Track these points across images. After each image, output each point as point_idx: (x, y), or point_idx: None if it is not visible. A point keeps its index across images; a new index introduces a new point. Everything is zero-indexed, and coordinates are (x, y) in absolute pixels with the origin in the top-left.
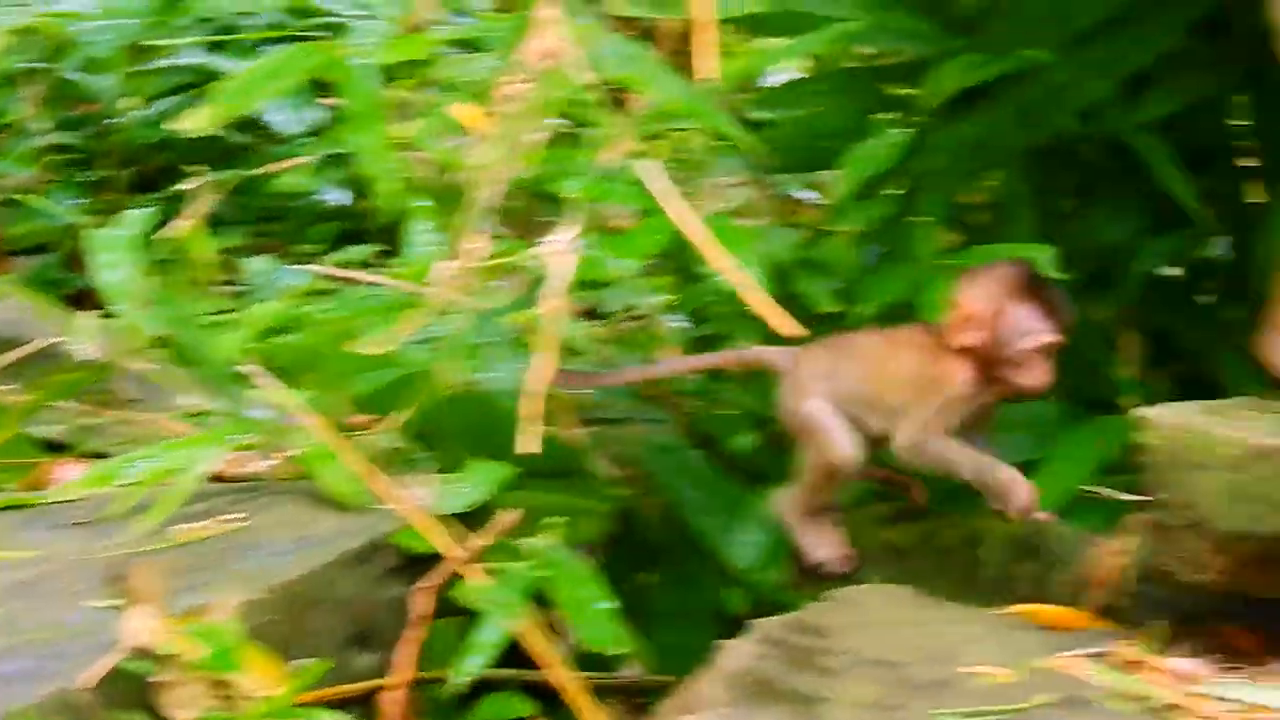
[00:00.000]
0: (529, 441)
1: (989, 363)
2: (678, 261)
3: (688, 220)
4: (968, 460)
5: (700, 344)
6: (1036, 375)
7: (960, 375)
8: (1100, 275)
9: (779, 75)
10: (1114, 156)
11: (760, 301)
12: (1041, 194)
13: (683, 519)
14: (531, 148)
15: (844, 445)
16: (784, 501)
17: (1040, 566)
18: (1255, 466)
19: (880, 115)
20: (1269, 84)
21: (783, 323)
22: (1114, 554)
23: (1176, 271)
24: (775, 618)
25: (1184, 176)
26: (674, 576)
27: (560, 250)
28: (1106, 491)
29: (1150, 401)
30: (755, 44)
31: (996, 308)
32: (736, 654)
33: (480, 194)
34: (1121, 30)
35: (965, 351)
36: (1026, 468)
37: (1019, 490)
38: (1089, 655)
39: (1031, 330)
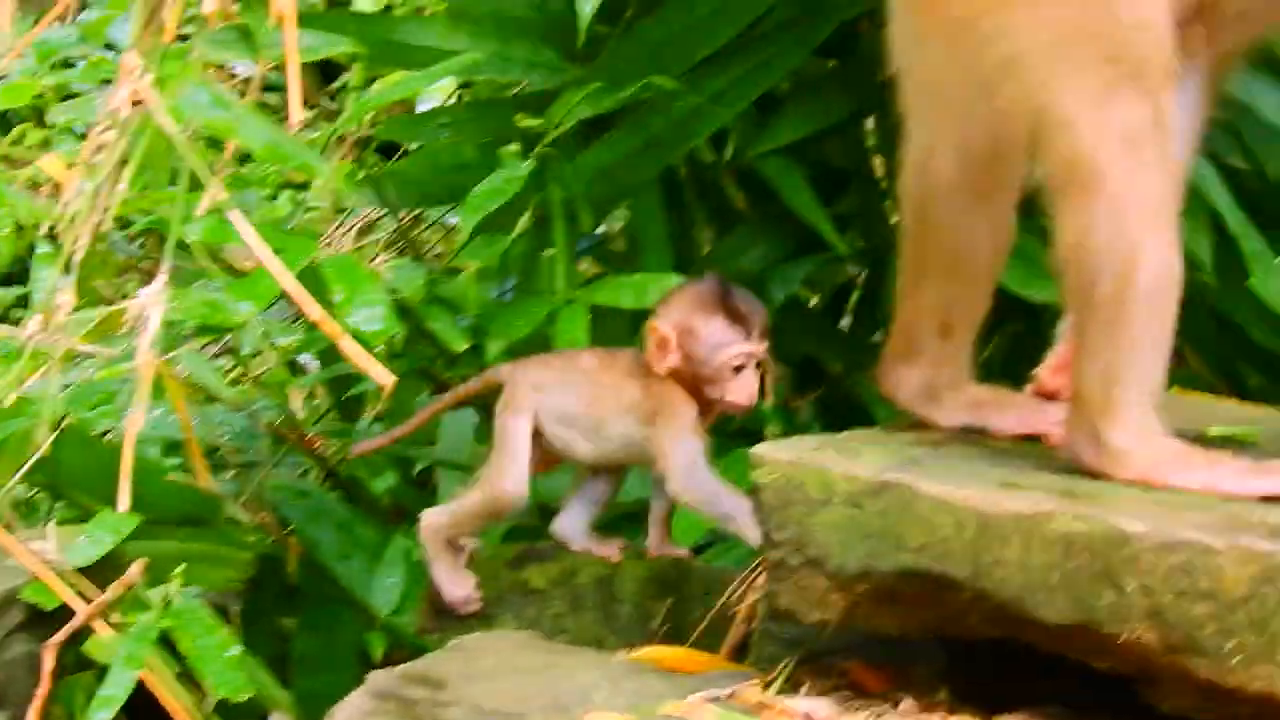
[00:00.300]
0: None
1: (696, 384)
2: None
3: (277, 269)
4: (725, 491)
5: (336, 384)
6: (741, 390)
7: (681, 402)
8: None
9: (426, 105)
10: (749, 183)
11: (353, 352)
12: (678, 223)
13: (322, 563)
14: (119, 196)
15: (513, 481)
16: (433, 520)
17: (678, 604)
18: (873, 501)
19: (508, 147)
20: (891, 103)
21: (378, 373)
22: (747, 592)
23: (816, 297)
24: (389, 669)
25: (818, 201)
26: (315, 621)
27: (152, 297)
28: None
29: (794, 430)
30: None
31: (685, 326)
32: (348, 710)
33: (72, 242)
34: (747, 55)
35: (672, 376)
36: None
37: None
38: (714, 698)
39: (724, 343)
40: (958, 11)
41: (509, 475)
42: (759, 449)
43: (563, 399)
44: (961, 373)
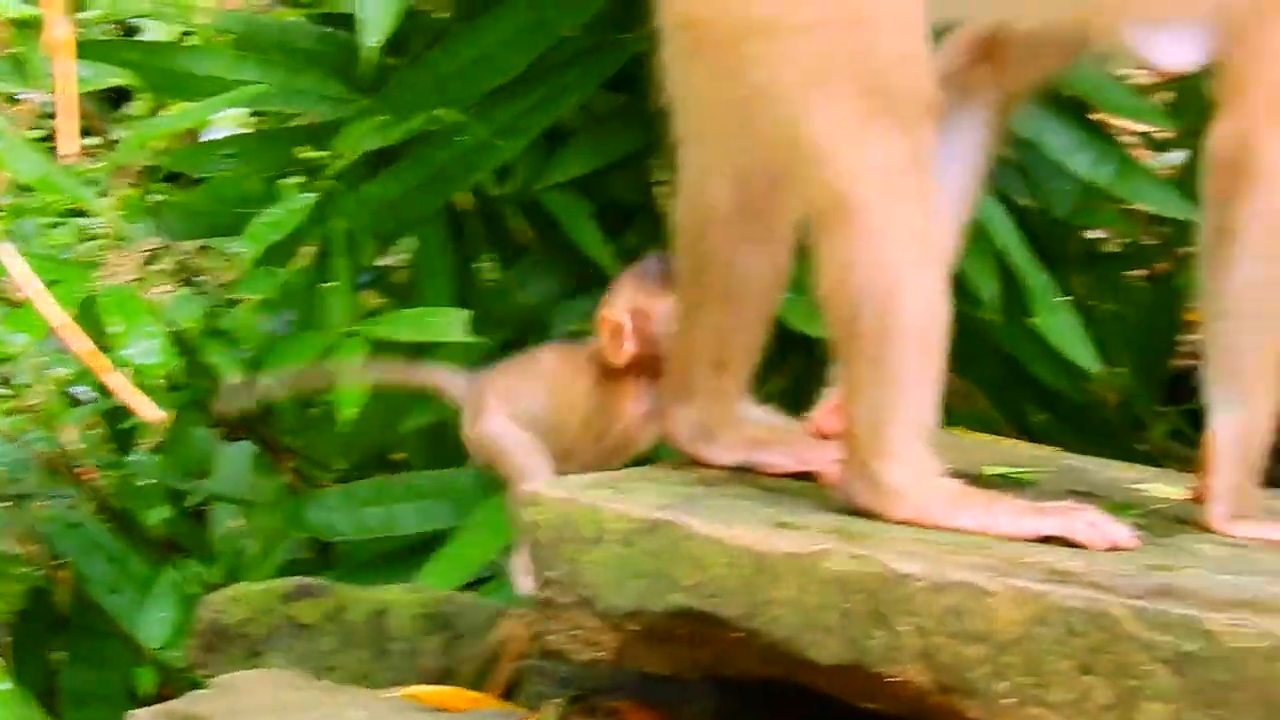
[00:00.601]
0: None
1: (656, 367)
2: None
3: (45, 304)
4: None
5: (112, 416)
6: None
7: (629, 401)
8: (522, 339)
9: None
10: (534, 217)
11: (120, 387)
12: (462, 256)
13: (92, 596)
14: None
15: (536, 466)
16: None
17: (449, 640)
18: (644, 540)
19: (289, 179)
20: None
21: (145, 408)
22: (519, 628)
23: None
24: (151, 708)
25: (602, 236)
26: (85, 655)
27: None
28: None
29: None
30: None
31: (637, 309)
32: None
33: None
34: (534, 88)
35: (631, 366)
36: (441, 537)
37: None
38: None
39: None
40: (720, 35)
41: (525, 467)
42: (534, 487)
43: (529, 402)
44: (737, 410)
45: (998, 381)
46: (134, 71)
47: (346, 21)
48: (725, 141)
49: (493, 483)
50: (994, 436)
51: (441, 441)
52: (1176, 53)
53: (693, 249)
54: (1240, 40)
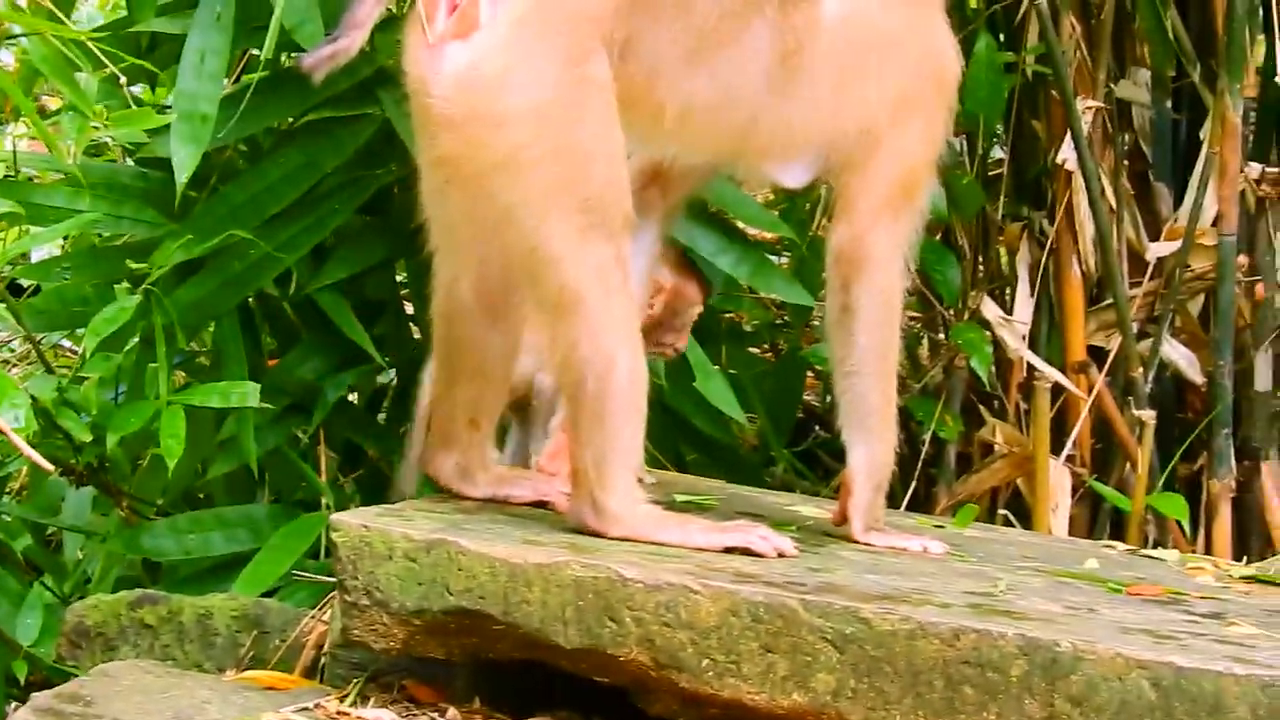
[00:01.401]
0: None
1: (651, 331)
2: None
3: None
4: None
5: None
6: (685, 340)
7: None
8: (300, 405)
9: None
10: (307, 311)
11: (22, 445)
12: (252, 342)
13: None
14: None
15: None
16: None
17: (260, 635)
18: (425, 556)
19: (121, 285)
20: (419, 250)
21: (41, 462)
22: (318, 625)
23: (356, 398)
24: (48, 690)
25: (361, 326)
26: None
27: None
28: (310, 575)
29: (342, 502)
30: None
31: (678, 287)
32: None
33: None
34: (306, 213)
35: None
36: (246, 557)
37: None
38: (302, 710)
39: (697, 302)
40: (469, 170)
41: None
42: (337, 517)
43: None
44: (488, 455)
45: (664, 432)
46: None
47: (160, 163)
48: (472, 252)
49: (285, 513)
50: (676, 472)
51: (240, 483)
52: (795, 176)
53: (447, 335)
54: (849, 165)
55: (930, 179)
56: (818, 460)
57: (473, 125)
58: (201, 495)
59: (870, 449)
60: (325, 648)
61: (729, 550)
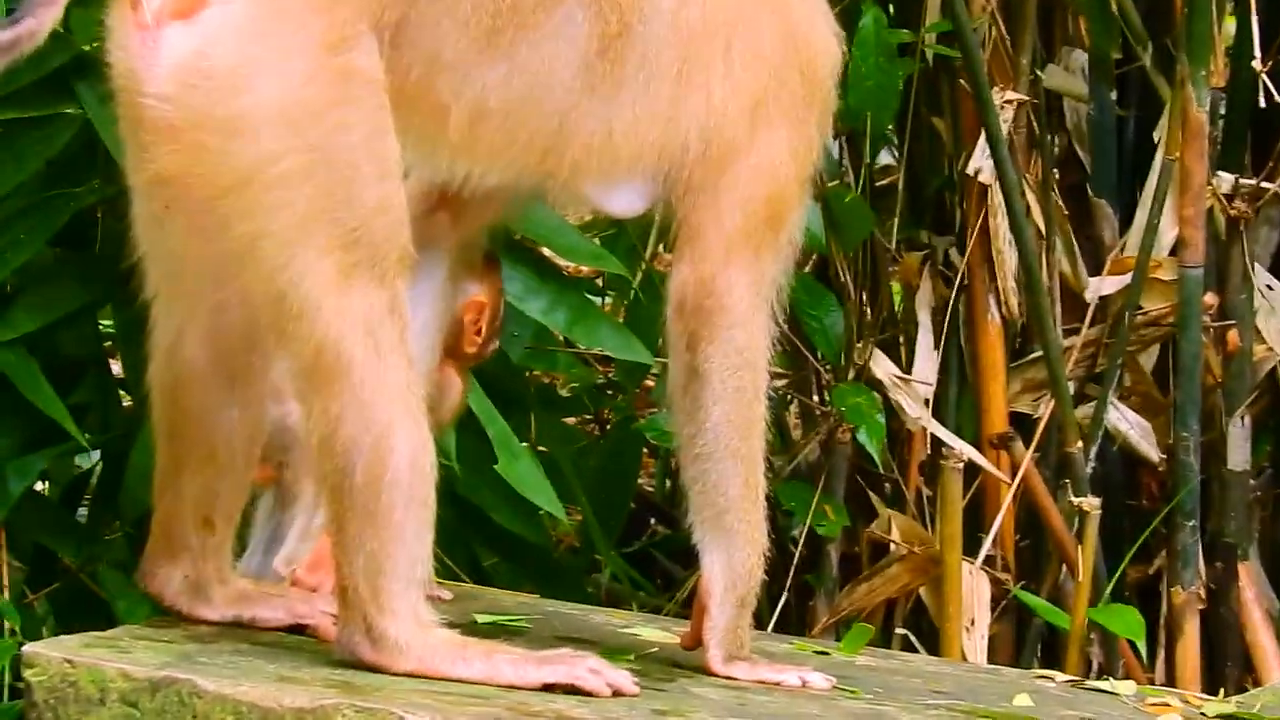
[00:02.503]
0: None
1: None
2: None
3: None
4: None
5: None
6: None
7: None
8: None
9: None
10: None
11: None
12: None
13: None
14: None
15: None
16: None
17: None
18: (150, 699)
19: None
20: (131, 294)
21: None
22: None
23: (48, 488)
24: None
25: (54, 393)
26: None
27: None
28: None
29: (32, 625)
30: None
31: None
32: None
33: None
34: None
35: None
36: None
37: None
38: None
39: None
40: (197, 191)
41: None
42: (30, 648)
43: None
44: (226, 565)
45: (450, 526)
46: None
47: None
48: (203, 299)
49: None
50: (472, 584)
51: None
52: (624, 201)
53: (170, 408)
54: (690, 189)
55: (801, 202)
56: (655, 564)
57: (200, 133)
58: None
59: (730, 555)
60: None
61: (549, 688)
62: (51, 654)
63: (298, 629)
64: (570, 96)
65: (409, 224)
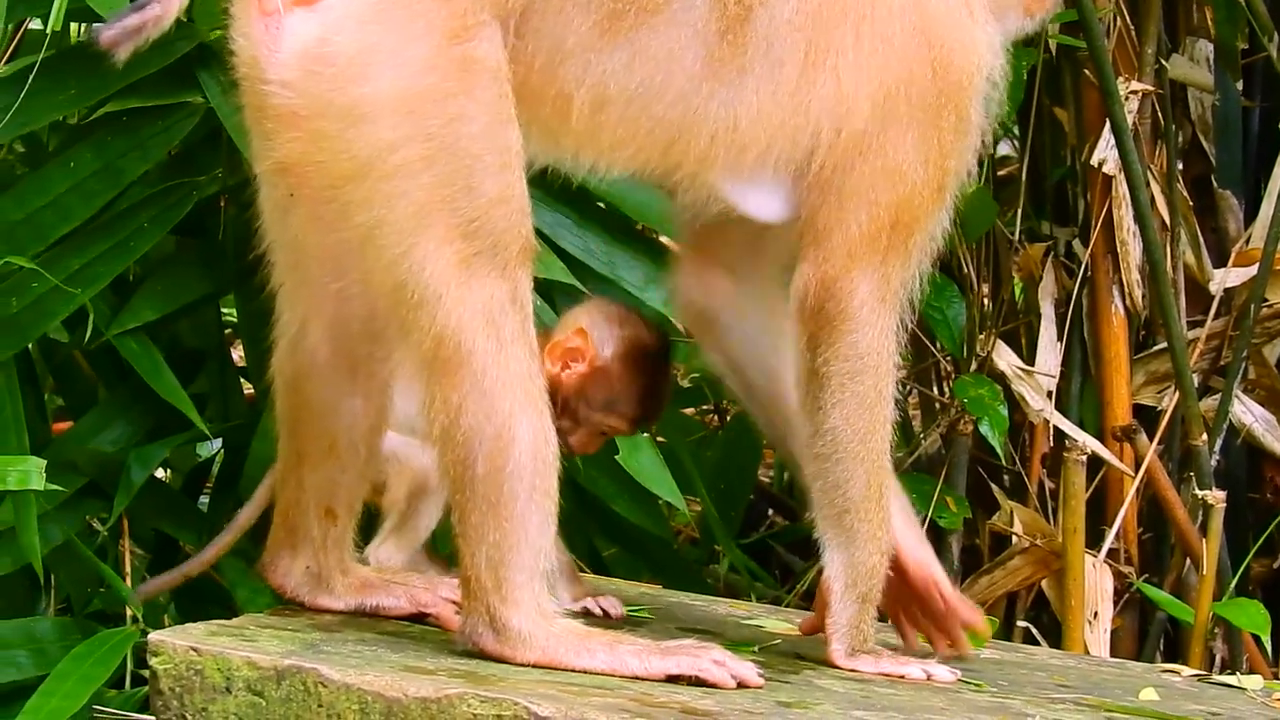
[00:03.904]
0: None
1: (563, 401)
2: None
3: None
4: None
5: None
6: (586, 445)
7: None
8: (97, 485)
9: None
10: (109, 362)
11: None
12: (35, 403)
13: None
14: None
15: None
16: None
17: None
18: (274, 688)
19: None
20: (253, 284)
21: None
22: None
23: (170, 476)
24: None
25: (177, 381)
26: None
27: None
28: (116, 713)
29: (153, 613)
30: None
31: (606, 369)
32: None
33: None
34: (104, 234)
35: (553, 378)
36: (25, 688)
37: None
38: None
39: (610, 413)
40: (318, 179)
41: None
42: (156, 636)
43: None
44: (348, 555)
45: (572, 519)
46: None
47: None
48: (326, 288)
49: (79, 628)
50: (593, 575)
51: (19, 589)
52: (763, 203)
53: (293, 398)
54: (818, 186)
55: (935, 210)
56: (774, 556)
57: (321, 120)
58: None
59: (851, 554)
60: None
61: (673, 679)
62: (177, 642)
63: (420, 618)
64: (693, 82)
65: (531, 214)
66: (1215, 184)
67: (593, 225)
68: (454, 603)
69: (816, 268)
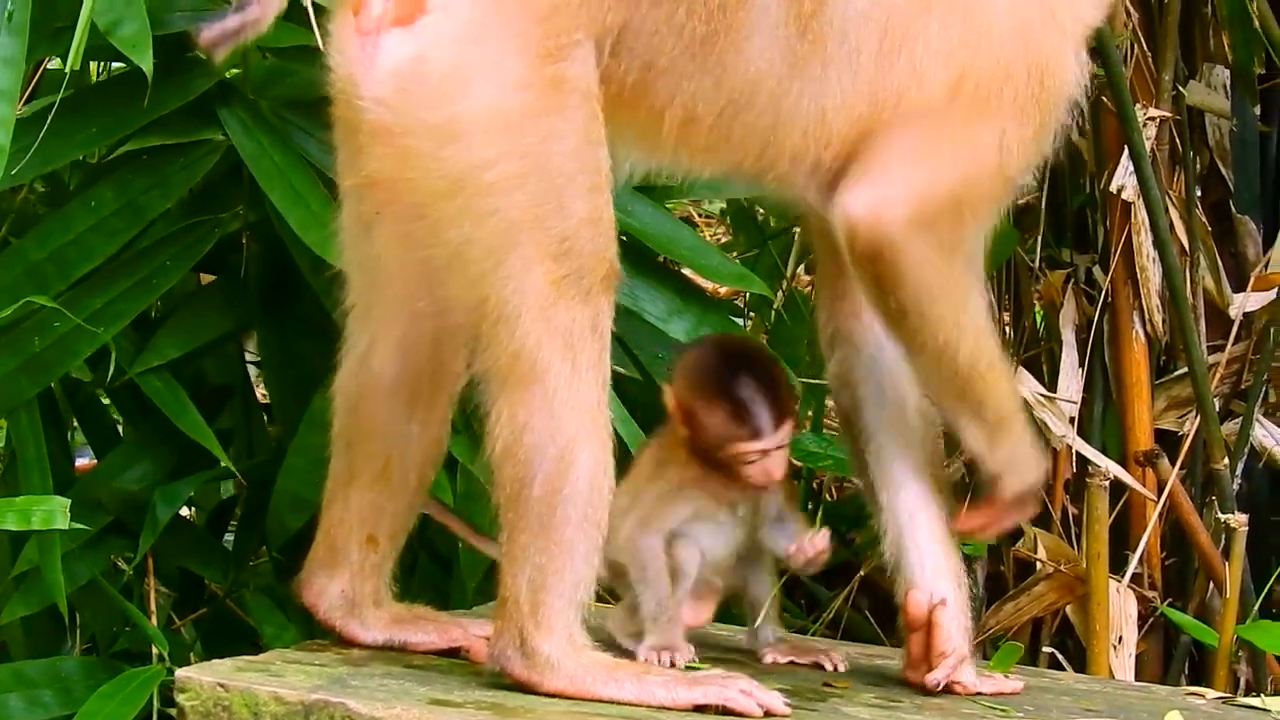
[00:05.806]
0: None
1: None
2: None
3: None
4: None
5: None
6: (757, 475)
7: (675, 468)
8: (122, 524)
9: None
10: (132, 400)
11: None
12: (59, 442)
13: None
14: None
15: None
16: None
17: None
18: None
19: None
20: (276, 319)
21: None
22: None
23: (194, 514)
24: None
25: (201, 419)
26: None
27: None
28: None
29: (179, 653)
30: None
31: (687, 408)
32: None
33: None
34: (126, 272)
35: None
36: None
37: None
38: None
39: (728, 438)
40: (408, 196)
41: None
42: (183, 672)
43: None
44: (384, 587)
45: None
46: None
47: None
48: (401, 310)
49: (103, 666)
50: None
51: (44, 628)
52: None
53: (352, 419)
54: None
55: (998, 196)
56: (799, 585)
57: (413, 137)
58: None
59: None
60: None
61: (700, 709)
62: (204, 678)
63: (450, 653)
64: (781, 85)
65: (614, 241)
66: (1233, 209)
67: None
68: (485, 638)
69: (871, 187)
